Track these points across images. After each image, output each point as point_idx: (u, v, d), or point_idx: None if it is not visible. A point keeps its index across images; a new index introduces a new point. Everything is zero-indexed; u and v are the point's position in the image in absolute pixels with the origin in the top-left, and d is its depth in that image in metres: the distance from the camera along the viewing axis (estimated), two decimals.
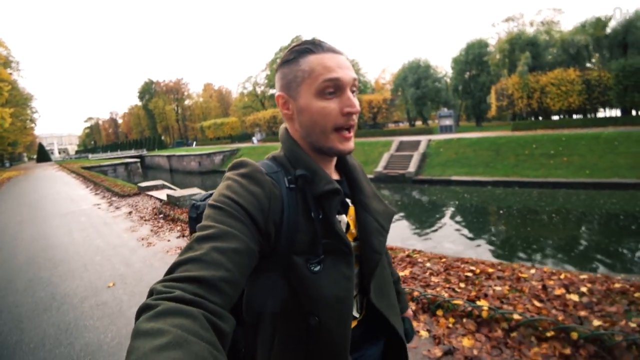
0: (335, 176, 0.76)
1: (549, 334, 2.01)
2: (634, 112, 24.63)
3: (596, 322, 2.03)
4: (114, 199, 9.25)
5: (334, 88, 0.64)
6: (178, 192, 7.27)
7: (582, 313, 2.17)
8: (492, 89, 27.96)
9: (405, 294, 1.00)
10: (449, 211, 13.64)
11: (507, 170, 17.77)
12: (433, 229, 11.03)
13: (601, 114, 27.30)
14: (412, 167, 19.71)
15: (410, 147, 22.23)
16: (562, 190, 14.72)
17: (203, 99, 66.83)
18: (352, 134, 0.68)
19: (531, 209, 12.78)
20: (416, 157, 20.48)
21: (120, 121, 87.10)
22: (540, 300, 2.38)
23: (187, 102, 68.23)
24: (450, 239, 9.37)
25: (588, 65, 26.49)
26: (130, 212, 7.19)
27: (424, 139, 22.80)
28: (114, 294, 3.33)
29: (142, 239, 5.10)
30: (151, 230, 5.54)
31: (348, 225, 0.73)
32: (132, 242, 5.04)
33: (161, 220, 6.13)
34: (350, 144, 0.68)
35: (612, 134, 16.64)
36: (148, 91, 67.13)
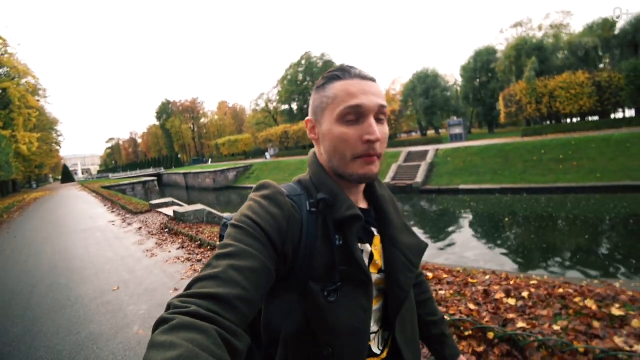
0: (362, 204, 0.76)
1: (467, 333, 2.14)
2: None
3: (520, 324, 2.14)
4: (127, 215, 10.12)
5: (355, 115, 0.64)
6: (183, 209, 7.99)
7: (511, 316, 2.29)
8: (500, 95, 27.98)
9: (452, 337, 0.94)
10: (454, 220, 13.78)
11: (515, 177, 17.69)
12: (437, 237, 11.12)
13: (620, 114, 26.78)
14: (419, 178, 19.92)
15: (418, 158, 22.50)
16: (572, 195, 14.57)
17: (218, 116, 69.33)
18: (374, 159, 0.66)
19: (538, 215, 12.68)
20: (424, 167, 20.71)
21: (139, 141, 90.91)
22: (477, 304, 2.48)
23: (202, 120, 70.92)
24: (454, 248, 9.51)
25: (601, 66, 26.26)
26: (140, 228, 7.95)
27: (431, 148, 23.03)
28: (117, 295, 3.96)
29: (147, 251, 5.78)
30: (156, 243, 6.23)
31: (372, 255, 0.71)
32: (138, 253, 5.74)
33: (166, 234, 6.83)
34: (372, 168, 0.67)
35: (624, 135, 16.37)
36: (165, 111, 70.27)
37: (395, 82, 51.70)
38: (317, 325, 0.63)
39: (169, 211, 8.86)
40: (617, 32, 25.25)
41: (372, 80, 0.68)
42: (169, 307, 0.46)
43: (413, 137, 43.45)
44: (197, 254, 5.12)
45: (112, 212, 11.72)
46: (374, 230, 0.73)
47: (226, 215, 0.82)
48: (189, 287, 0.51)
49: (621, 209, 11.94)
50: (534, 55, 26.17)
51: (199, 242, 5.65)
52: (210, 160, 58.08)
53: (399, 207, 0.81)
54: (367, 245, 0.71)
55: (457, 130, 29.71)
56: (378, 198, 0.77)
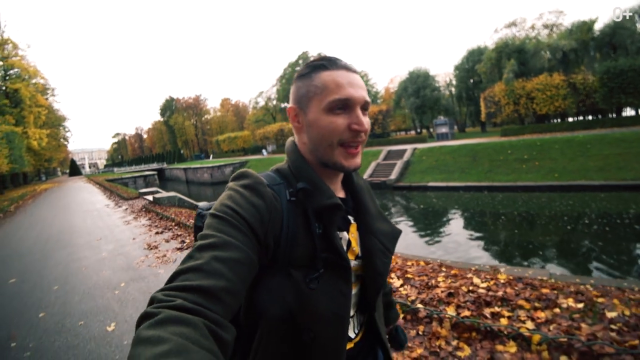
0: (340, 193, 0.78)
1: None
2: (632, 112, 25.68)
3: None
4: (120, 201, 12.86)
5: (343, 106, 0.67)
6: (160, 195, 10.56)
7: (412, 297, 2.78)
8: (481, 96, 29.89)
9: (395, 304, 1.03)
10: (407, 212, 15.71)
11: (480, 175, 19.21)
12: None
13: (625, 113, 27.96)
14: (393, 175, 22.02)
15: (396, 156, 24.62)
16: (527, 193, 15.85)
17: (220, 113, 72.38)
18: (358, 150, 0.70)
19: (486, 211, 14.12)
20: (399, 165, 22.81)
21: (145, 136, 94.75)
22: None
23: (205, 117, 74.10)
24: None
25: (582, 68, 27.83)
26: (126, 209, 10.62)
27: (410, 147, 25.08)
28: (99, 243, 6.55)
29: (126, 222, 8.40)
30: (133, 217, 8.83)
31: (350, 243, 0.74)
32: (119, 223, 8.36)
33: (143, 212, 9.41)
34: (356, 161, 0.70)
35: (586, 137, 17.82)
36: (169, 108, 73.76)
37: (393, 80, 53.61)
38: (299, 311, 0.64)
39: (151, 197, 11.43)
40: (596, 34, 26.76)
41: (356, 72, 0.71)
42: (153, 300, 0.47)
43: (405, 135, 45.48)
44: (157, 224, 7.63)
45: (109, 199, 14.49)
46: (351, 218, 0.77)
47: (201, 204, 0.83)
48: (172, 279, 0.51)
49: (565, 207, 12.95)
50: (515, 57, 27.95)
51: (161, 217, 8.18)
52: (211, 156, 61.18)
53: (374, 196, 0.87)
54: (345, 233, 0.74)
55: (444, 130, 31.63)
56: (355, 187, 0.80)
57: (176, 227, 6.81)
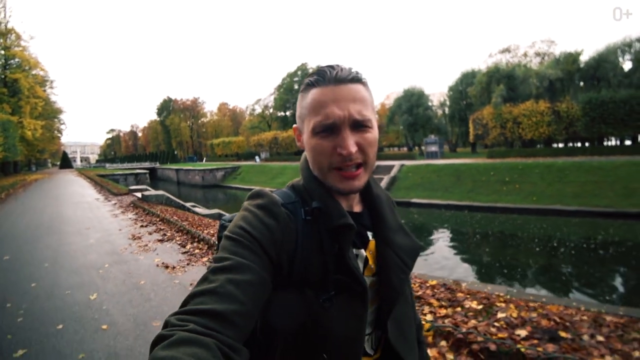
0: (357, 207, 0.76)
1: None
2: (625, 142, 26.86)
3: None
4: (110, 196, 13.38)
5: (326, 130, 0.64)
6: (148, 192, 11.16)
7: None
8: (470, 118, 31.00)
9: (425, 345, 0.97)
10: None
11: (463, 195, 19.76)
12: None
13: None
14: None
15: (384, 171, 25.39)
16: (505, 215, 16.39)
17: (217, 117, 73.17)
18: (356, 173, 0.66)
19: (460, 231, 14.65)
20: (386, 180, 23.56)
21: (139, 134, 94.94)
22: None
23: (201, 119, 74.77)
24: None
25: (567, 97, 29.14)
26: (115, 203, 11.17)
27: (397, 164, 25.89)
28: (87, 231, 7.11)
29: (114, 215, 8.97)
30: (121, 212, 9.39)
31: (367, 260, 0.72)
32: (108, 215, 8.93)
33: (131, 207, 9.97)
34: (353, 183, 0.67)
35: (565, 163, 18.67)
36: (166, 108, 74.40)
37: (389, 97, 54.90)
38: (312, 331, 0.64)
39: (140, 194, 11.98)
40: (581, 65, 28.15)
41: (351, 81, 0.66)
42: (166, 324, 0.48)
43: (397, 151, 46.54)
44: (143, 218, 8.21)
45: (100, 193, 14.99)
46: (369, 234, 0.74)
47: (225, 216, 0.85)
48: (186, 302, 0.52)
49: (539, 230, 13.34)
50: (504, 82, 29.20)
51: (147, 212, 8.77)
52: (205, 159, 61.63)
53: (394, 207, 0.83)
54: (362, 251, 0.71)
55: (433, 148, 32.62)
56: (374, 199, 0.77)
57: (160, 222, 7.42)
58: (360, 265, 0.71)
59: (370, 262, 0.73)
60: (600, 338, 2.22)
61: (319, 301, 0.64)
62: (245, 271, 0.56)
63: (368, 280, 0.71)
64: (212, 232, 5.87)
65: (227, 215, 0.85)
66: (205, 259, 4.73)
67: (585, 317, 2.58)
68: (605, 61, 26.62)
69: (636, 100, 22.78)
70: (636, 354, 2.02)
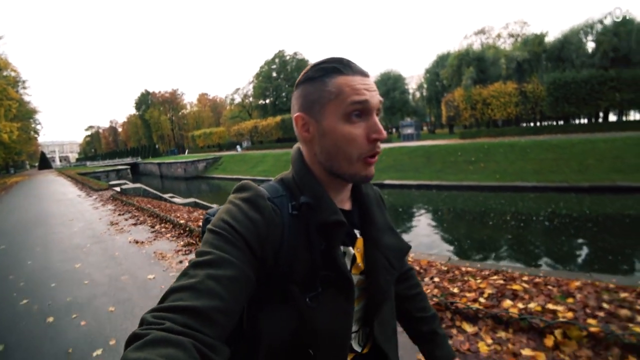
0: (347, 205, 0.76)
1: None
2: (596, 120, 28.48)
3: None
4: (91, 192, 14.38)
5: (361, 111, 0.65)
6: (126, 186, 12.20)
7: None
8: (442, 100, 32.34)
9: (445, 337, 0.93)
10: None
11: (432, 175, 20.84)
12: None
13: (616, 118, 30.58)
14: None
15: None
16: (470, 192, 17.56)
17: (197, 108, 73.21)
18: (375, 159, 0.67)
19: (425, 208, 15.81)
20: None
21: (119, 130, 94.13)
22: None
23: (182, 112, 74.67)
24: None
25: (534, 78, 30.60)
26: (96, 198, 12.23)
27: None
28: (71, 222, 8.21)
29: (94, 208, 10.06)
30: (101, 204, 10.47)
31: (354, 258, 0.73)
32: (89, 208, 10.01)
33: (110, 200, 11.03)
34: (372, 170, 0.68)
35: (528, 142, 19.77)
36: (144, 102, 74.03)
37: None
38: (298, 328, 0.64)
39: (119, 188, 13.02)
40: (548, 47, 29.54)
41: (370, 76, 0.69)
42: (142, 322, 0.46)
43: None
44: (121, 209, 9.31)
45: (81, 190, 15.97)
46: (357, 232, 0.75)
47: (210, 209, 0.84)
48: (164, 298, 0.51)
49: (496, 205, 14.29)
50: (474, 65, 30.52)
51: (125, 203, 9.88)
52: (187, 151, 62.04)
53: (383, 205, 0.84)
54: (350, 248, 0.72)
55: (409, 131, 33.90)
56: (363, 197, 0.78)
57: (135, 210, 8.54)
58: (348, 262, 0.71)
59: (359, 260, 0.73)
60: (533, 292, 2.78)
61: (304, 298, 0.64)
62: (226, 266, 0.54)
63: (355, 279, 0.72)
64: (178, 215, 7.04)
65: (212, 209, 0.84)
66: (169, 235, 5.92)
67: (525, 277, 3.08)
68: (569, 42, 27.88)
69: (596, 80, 24.03)
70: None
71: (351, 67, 0.67)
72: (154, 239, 5.81)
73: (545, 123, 31.46)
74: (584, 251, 9.10)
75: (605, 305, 2.44)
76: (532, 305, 2.54)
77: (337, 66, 0.66)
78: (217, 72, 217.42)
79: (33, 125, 43.71)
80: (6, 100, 27.32)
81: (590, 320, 2.28)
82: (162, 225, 6.65)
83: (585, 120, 30.10)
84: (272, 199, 0.67)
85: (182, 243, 5.36)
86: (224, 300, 0.51)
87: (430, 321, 0.92)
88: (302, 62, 48.68)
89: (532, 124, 30.60)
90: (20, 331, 3.10)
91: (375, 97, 0.66)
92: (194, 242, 5.31)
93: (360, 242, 0.75)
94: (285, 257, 0.64)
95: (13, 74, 33.12)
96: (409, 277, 0.95)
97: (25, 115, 38.99)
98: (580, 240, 9.87)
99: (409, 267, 0.97)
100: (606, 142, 17.06)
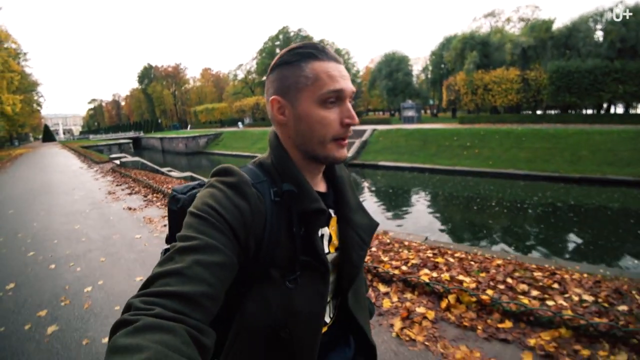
0: (322, 186, 0.80)
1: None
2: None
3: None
4: (92, 164, 15.21)
5: (336, 98, 0.68)
6: (125, 159, 12.91)
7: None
8: (444, 83, 32.30)
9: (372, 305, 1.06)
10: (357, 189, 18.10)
11: (426, 158, 21.12)
12: None
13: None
14: (350, 153, 24.22)
15: (356, 135, 26.72)
16: (461, 177, 17.38)
17: (200, 83, 73.17)
18: (346, 141, 0.71)
19: (414, 191, 16.32)
20: (357, 143, 25.06)
21: (122, 103, 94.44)
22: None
23: (184, 86, 74.71)
24: None
25: (538, 65, 30.25)
26: (97, 170, 13.01)
27: (369, 128, 27.35)
28: (73, 191, 8.97)
29: (95, 179, 10.86)
30: (102, 176, 11.25)
31: (330, 236, 0.78)
32: (90, 179, 10.82)
33: (110, 172, 11.78)
34: (345, 151, 0.72)
35: (524, 130, 19.83)
36: (147, 76, 74.08)
37: (373, 61, 55.34)
38: (277, 310, 0.67)
39: (118, 161, 13.77)
40: (555, 34, 29.04)
41: (342, 62, 0.72)
42: (130, 307, 0.46)
43: (377, 116, 47.87)
44: (119, 180, 10.05)
45: (83, 162, 16.82)
46: (332, 211, 0.79)
47: (176, 186, 0.84)
48: (150, 282, 0.51)
49: (485, 191, 14.67)
50: (478, 49, 30.28)
51: (123, 175, 10.63)
52: (190, 126, 62.57)
53: (354, 187, 0.88)
54: (326, 228, 0.77)
55: (410, 113, 34.06)
56: (337, 179, 0.82)
57: (132, 182, 9.29)
58: (325, 242, 0.76)
59: (334, 238, 0.79)
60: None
61: (284, 281, 0.68)
62: (213, 252, 0.55)
63: (331, 257, 0.77)
64: (170, 186, 7.75)
65: (179, 187, 0.84)
66: (158, 203, 6.68)
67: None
68: (577, 30, 27.09)
69: (600, 71, 23.64)
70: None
71: (326, 53, 0.69)
72: (145, 207, 6.55)
73: (551, 112, 31.34)
74: (556, 239, 9.43)
75: (509, 280, 2.80)
76: (444, 275, 2.95)
77: (313, 51, 0.68)
78: (222, 46, 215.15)
79: (35, 98, 44.32)
80: (8, 72, 27.74)
81: (489, 291, 2.63)
82: (154, 195, 7.39)
83: (590, 111, 29.92)
84: (255, 185, 0.68)
85: None
86: (211, 286, 0.52)
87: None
88: (306, 39, 48.29)
89: (535, 112, 30.44)
90: (27, 274, 3.86)
91: (349, 84, 0.69)
92: None
93: (334, 220, 0.80)
94: (268, 243, 0.66)
95: (14, 45, 33.47)
96: None
97: (27, 88, 39.49)
98: (555, 229, 10.20)
99: None
100: (602, 134, 17.16)
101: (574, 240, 9.39)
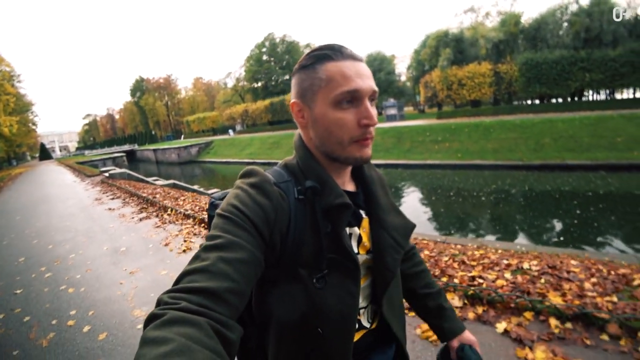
0: (350, 187, 0.81)
1: None
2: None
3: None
4: (85, 178, 17.28)
5: (352, 99, 0.67)
6: (113, 171, 14.94)
7: None
8: (420, 81, 34.09)
9: (453, 310, 0.99)
10: None
11: (400, 154, 22.32)
12: None
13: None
14: None
15: None
16: (431, 170, 18.69)
17: (192, 93, 75.42)
18: (370, 142, 0.71)
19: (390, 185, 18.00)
20: None
21: (117, 117, 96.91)
22: None
23: (177, 97, 77.00)
24: None
25: (509, 59, 31.87)
26: (88, 182, 15.11)
27: None
28: (67, 200, 11.00)
29: (86, 189, 12.90)
30: (91, 187, 13.28)
31: (360, 237, 0.77)
32: (82, 190, 12.87)
33: (99, 183, 13.79)
34: (368, 151, 0.71)
35: (491, 122, 20.60)
36: (139, 88, 76.44)
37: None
38: (307, 310, 0.69)
39: (107, 174, 15.79)
40: (525, 27, 30.70)
41: (363, 61, 0.71)
42: (159, 302, 0.50)
43: None
44: (106, 189, 12.04)
45: (77, 177, 18.96)
46: (362, 212, 0.79)
47: (215, 194, 0.88)
48: (178, 280, 0.54)
49: (448, 182, 15.75)
50: (452, 46, 32.03)
51: (110, 185, 12.61)
52: (183, 136, 64.75)
53: (387, 187, 0.87)
54: (356, 229, 0.77)
55: (392, 111, 35.75)
56: (366, 179, 0.82)
57: (117, 190, 11.30)
58: (354, 243, 0.76)
59: (365, 239, 0.78)
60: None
61: (312, 280, 0.69)
62: (237, 249, 0.58)
63: (362, 258, 0.77)
64: (145, 191, 9.70)
65: (217, 193, 0.88)
66: (133, 204, 8.64)
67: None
68: (545, 23, 28.73)
69: (567, 61, 25.20)
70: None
71: (342, 52, 0.69)
72: (122, 207, 8.56)
73: (527, 102, 32.83)
74: (500, 221, 10.43)
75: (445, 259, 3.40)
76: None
77: (328, 52, 0.69)
78: (212, 55, 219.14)
79: (31, 118, 46.59)
80: (4, 95, 29.81)
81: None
82: (131, 198, 9.43)
83: (568, 100, 31.27)
84: (278, 184, 0.71)
85: (138, 208, 8.09)
86: (235, 282, 0.55)
87: (436, 297, 0.98)
88: (291, 45, 50.38)
89: (512, 104, 32.05)
90: (32, 253, 5.84)
91: (367, 83, 0.68)
92: (145, 207, 8.06)
93: (366, 222, 0.80)
94: (293, 241, 0.69)
95: (8, 69, 35.67)
96: (412, 255, 1.01)
97: (22, 108, 41.72)
98: (502, 212, 11.30)
99: (412, 246, 1.02)
100: (564, 122, 18.02)
101: (519, 221, 10.34)
